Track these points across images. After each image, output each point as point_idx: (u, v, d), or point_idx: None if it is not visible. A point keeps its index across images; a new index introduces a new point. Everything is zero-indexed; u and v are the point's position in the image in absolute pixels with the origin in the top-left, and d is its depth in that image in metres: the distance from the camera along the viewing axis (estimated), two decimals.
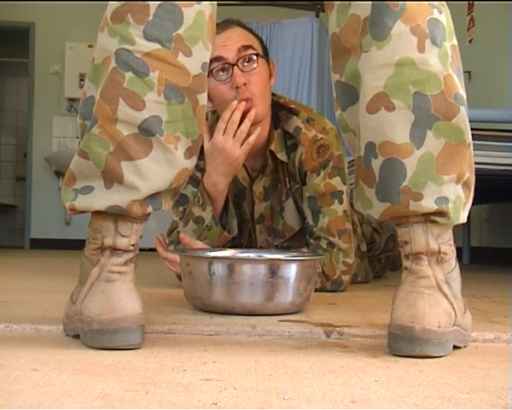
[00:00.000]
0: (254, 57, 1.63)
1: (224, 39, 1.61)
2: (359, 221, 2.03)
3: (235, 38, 1.62)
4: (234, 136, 1.57)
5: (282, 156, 1.74)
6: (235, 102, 1.58)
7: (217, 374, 0.75)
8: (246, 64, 1.61)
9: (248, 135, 1.59)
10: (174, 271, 1.71)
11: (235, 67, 1.59)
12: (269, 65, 1.71)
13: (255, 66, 1.62)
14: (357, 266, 1.98)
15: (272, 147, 1.73)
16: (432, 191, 0.90)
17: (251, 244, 1.86)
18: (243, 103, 1.57)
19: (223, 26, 1.63)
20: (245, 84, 1.59)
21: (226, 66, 1.60)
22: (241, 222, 1.79)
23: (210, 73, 1.61)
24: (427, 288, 0.89)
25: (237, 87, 1.59)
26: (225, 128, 1.57)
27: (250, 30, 1.70)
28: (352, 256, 1.74)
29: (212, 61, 1.59)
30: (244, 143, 1.58)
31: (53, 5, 5.86)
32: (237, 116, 1.56)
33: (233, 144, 1.57)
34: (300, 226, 1.80)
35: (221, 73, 1.61)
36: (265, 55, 1.70)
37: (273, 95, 1.75)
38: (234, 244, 1.79)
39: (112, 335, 0.87)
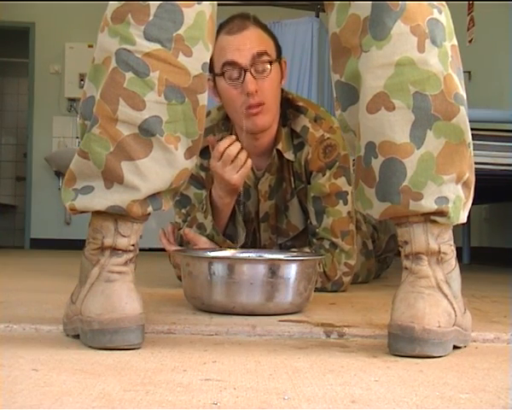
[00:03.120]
0: (267, 65, 1.61)
1: (238, 42, 1.59)
2: (363, 220, 2.02)
3: (250, 43, 1.59)
4: (231, 162, 1.56)
5: (289, 156, 1.74)
6: (234, 137, 1.59)
7: (217, 374, 0.75)
8: (259, 70, 1.60)
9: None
10: (177, 262, 1.70)
11: (248, 73, 1.59)
12: (281, 65, 1.70)
13: (268, 73, 1.61)
14: (361, 266, 1.98)
15: (280, 146, 1.73)
16: (432, 191, 0.90)
17: (255, 242, 1.86)
18: (238, 145, 1.57)
19: (239, 25, 1.61)
20: (256, 91, 1.59)
21: (239, 71, 1.60)
22: (245, 221, 1.79)
23: (222, 74, 1.61)
24: (427, 288, 0.89)
25: (248, 93, 1.59)
26: (221, 156, 1.56)
27: (265, 28, 1.67)
28: (355, 258, 1.74)
29: (225, 63, 1.59)
30: (242, 168, 1.57)
31: (53, 5, 5.85)
32: (233, 151, 1.56)
33: (229, 172, 1.56)
34: (304, 226, 1.79)
35: (233, 76, 1.61)
36: (279, 54, 1.69)
37: (281, 91, 1.74)
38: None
39: (112, 335, 0.88)
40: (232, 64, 1.60)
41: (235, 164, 1.56)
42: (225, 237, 1.69)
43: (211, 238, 1.65)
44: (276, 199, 1.80)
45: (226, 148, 1.55)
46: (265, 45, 1.63)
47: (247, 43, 1.59)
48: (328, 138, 1.71)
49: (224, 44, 1.60)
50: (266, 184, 1.78)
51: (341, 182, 1.71)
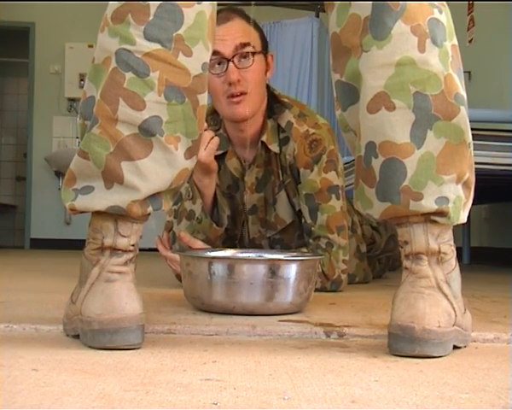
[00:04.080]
0: (250, 55, 1.64)
1: (222, 33, 1.61)
2: (359, 222, 2.03)
3: (233, 34, 1.62)
4: None
5: (274, 148, 1.74)
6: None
7: (217, 374, 0.75)
8: (242, 60, 1.63)
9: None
10: (174, 269, 1.71)
11: (231, 63, 1.61)
12: (266, 59, 1.71)
13: (251, 63, 1.63)
14: (356, 267, 1.98)
15: (264, 138, 1.73)
16: (432, 191, 0.90)
17: (244, 235, 1.86)
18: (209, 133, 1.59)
19: (224, 16, 1.63)
20: (238, 81, 1.61)
21: (222, 60, 1.62)
22: (234, 213, 1.80)
23: None
24: (427, 288, 0.89)
25: (230, 83, 1.60)
26: None
27: (252, 21, 1.69)
28: (348, 253, 1.75)
29: None
30: (208, 145, 1.58)
31: (53, 5, 5.86)
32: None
33: None
34: (292, 220, 1.80)
35: (216, 66, 1.63)
36: (265, 48, 1.71)
37: (268, 87, 1.76)
38: (228, 235, 1.80)
39: (112, 335, 0.87)
40: (215, 53, 1.61)
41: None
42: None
43: (199, 222, 1.66)
44: (264, 192, 1.80)
45: None
46: (249, 37, 1.65)
47: (231, 34, 1.62)
48: (314, 133, 1.72)
49: None
50: (253, 177, 1.79)
51: (332, 176, 1.71)
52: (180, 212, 1.71)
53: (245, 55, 1.63)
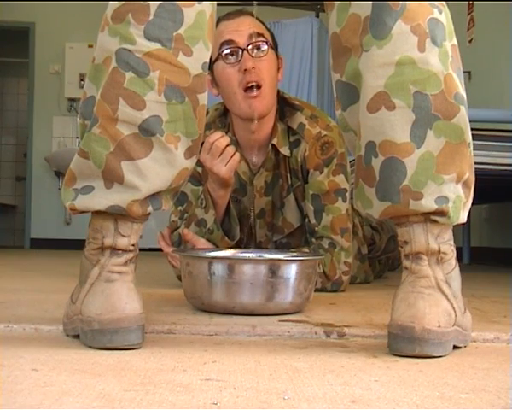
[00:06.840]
0: (265, 45, 1.65)
1: (236, 24, 1.65)
2: (360, 224, 2.03)
3: (247, 25, 1.65)
4: (219, 156, 1.55)
5: (284, 151, 1.74)
6: (223, 133, 1.59)
7: (217, 374, 0.75)
8: (256, 50, 1.64)
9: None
10: (175, 265, 1.71)
11: (245, 52, 1.62)
12: (278, 59, 1.73)
13: (265, 53, 1.65)
14: (357, 269, 1.98)
15: (275, 141, 1.73)
16: (432, 191, 0.90)
17: (250, 239, 1.85)
18: (227, 138, 1.57)
19: (236, 13, 1.68)
20: (253, 68, 1.61)
21: (236, 49, 1.63)
22: (240, 217, 1.79)
23: (219, 55, 1.64)
24: (427, 288, 0.89)
25: (245, 70, 1.61)
26: (210, 148, 1.56)
27: (263, 23, 1.73)
28: (352, 256, 1.74)
29: (222, 44, 1.63)
30: (230, 161, 1.56)
31: (53, 5, 5.86)
32: (222, 144, 1.55)
33: (218, 165, 1.55)
34: (300, 223, 1.79)
35: (230, 56, 1.64)
36: (275, 48, 1.72)
37: (278, 90, 1.76)
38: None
39: (112, 335, 0.87)
40: (230, 43, 1.64)
41: (223, 157, 1.55)
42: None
43: (210, 233, 1.64)
44: (272, 196, 1.80)
45: (216, 140, 1.56)
46: (262, 30, 1.68)
47: (245, 24, 1.65)
48: (325, 135, 1.72)
49: (222, 28, 1.66)
50: (262, 180, 1.78)
51: (340, 179, 1.71)
52: (189, 216, 1.70)
53: (259, 46, 1.65)
